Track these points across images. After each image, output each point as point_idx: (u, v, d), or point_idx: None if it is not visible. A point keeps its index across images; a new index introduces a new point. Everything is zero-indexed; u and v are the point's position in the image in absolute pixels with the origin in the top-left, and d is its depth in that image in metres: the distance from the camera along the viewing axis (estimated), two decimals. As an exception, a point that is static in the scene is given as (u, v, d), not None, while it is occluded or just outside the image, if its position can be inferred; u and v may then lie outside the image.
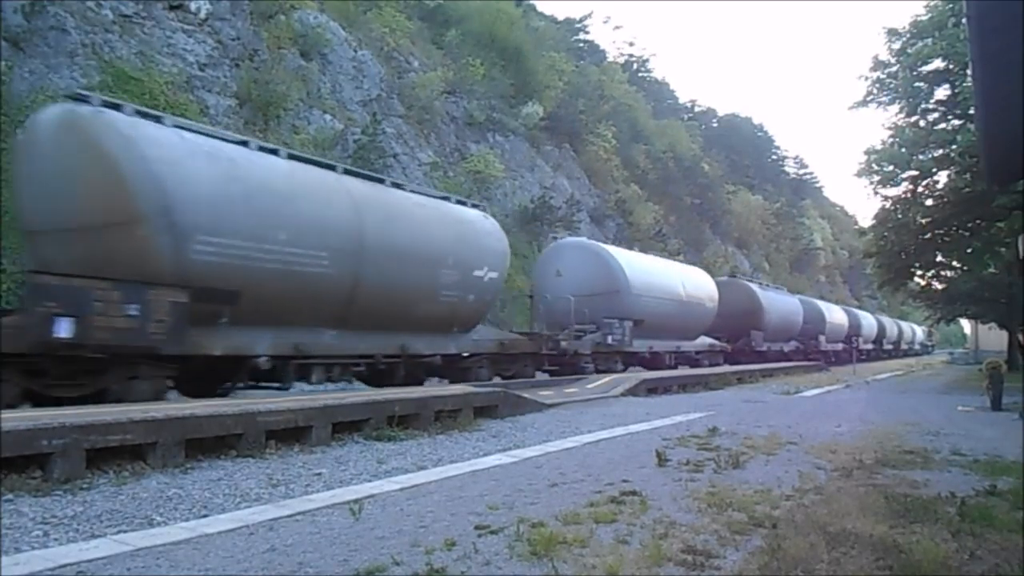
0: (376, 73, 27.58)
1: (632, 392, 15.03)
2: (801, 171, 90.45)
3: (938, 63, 24.02)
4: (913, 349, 64.09)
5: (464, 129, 32.08)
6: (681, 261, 36.04)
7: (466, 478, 6.27)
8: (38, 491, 5.20)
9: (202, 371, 9.72)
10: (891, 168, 26.01)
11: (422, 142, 28.39)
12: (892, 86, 26.71)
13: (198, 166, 9.33)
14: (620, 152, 44.42)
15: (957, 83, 23.11)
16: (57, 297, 7.84)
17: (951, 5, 22.28)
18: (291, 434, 7.58)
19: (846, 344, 39.50)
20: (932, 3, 24.66)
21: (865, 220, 62.86)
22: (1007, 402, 13.56)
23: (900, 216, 26.53)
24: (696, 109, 78.04)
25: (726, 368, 23.64)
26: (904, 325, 61.92)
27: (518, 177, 33.69)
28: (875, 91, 27.39)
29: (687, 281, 24.06)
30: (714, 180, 58.21)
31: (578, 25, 58.36)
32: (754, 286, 30.81)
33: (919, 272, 30.06)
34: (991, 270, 26.51)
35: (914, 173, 25.31)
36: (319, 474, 6.27)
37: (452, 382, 13.52)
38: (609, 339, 18.68)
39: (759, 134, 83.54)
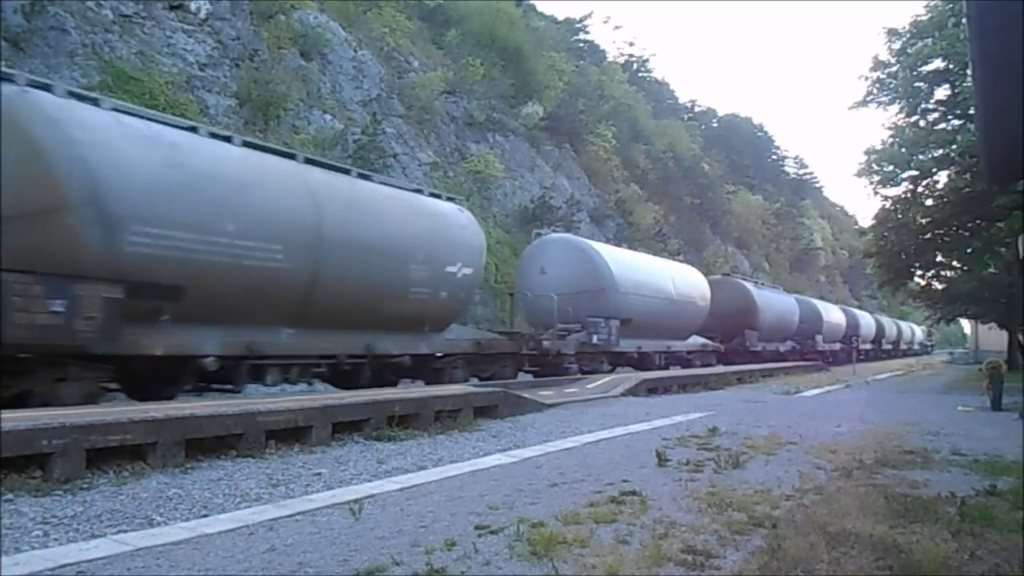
0: (376, 73, 27.59)
1: (632, 392, 15.02)
2: (801, 171, 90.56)
3: (938, 63, 24.04)
4: (912, 349, 63.75)
5: (464, 129, 32.09)
6: (681, 261, 36.03)
7: (466, 478, 6.27)
8: (38, 491, 5.20)
9: (143, 372, 9.12)
10: (891, 168, 26.03)
11: (422, 142, 28.40)
12: (892, 86, 26.73)
13: (135, 151, 8.63)
14: (620, 152, 44.44)
15: (957, 83, 23.13)
16: None
17: (951, 5, 22.29)
18: (291, 434, 7.57)
19: (844, 344, 39.07)
20: (932, 3, 24.68)
21: (865, 220, 62.87)
22: (1007, 402, 13.56)
23: (900, 216, 26.54)
24: (696, 109, 78.13)
25: (726, 368, 23.39)
26: (903, 325, 61.57)
27: (518, 177, 33.70)
28: (875, 91, 27.42)
29: (677, 279, 23.45)
30: (714, 180, 58.24)
31: (578, 25, 58.41)
32: (748, 284, 30.18)
33: (919, 272, 30.06)
34: (991, 270, 26.53)
35: (914, 173, 25.32)
36: (319, 474, 6.27)
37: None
38: (594, 339, 18.05)
39: (759, 134, 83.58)
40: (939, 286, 31.44)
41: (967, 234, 25.13)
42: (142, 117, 9.36)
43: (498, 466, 6.89)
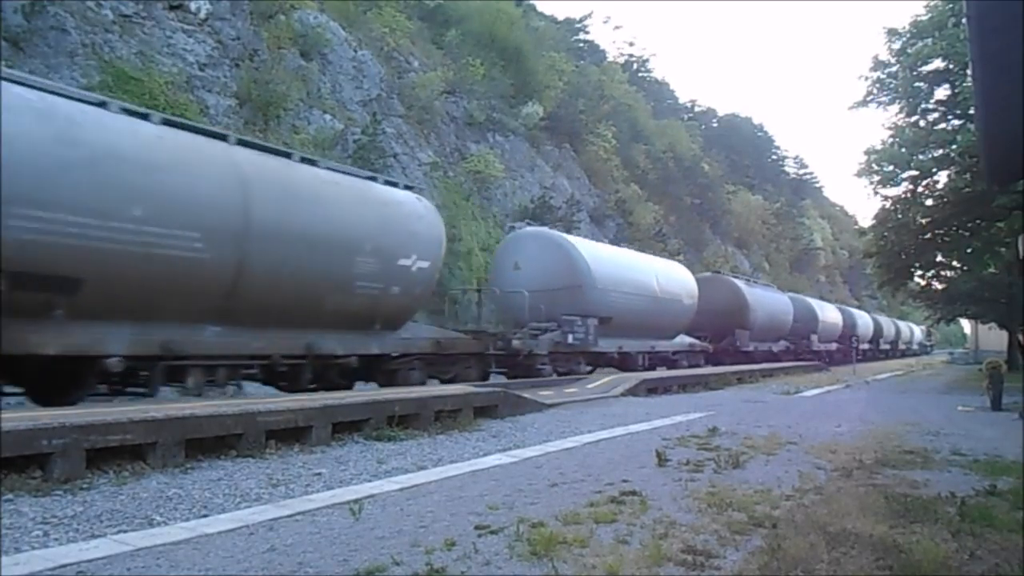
0: (376, 73, 27.59)
1: (632, 392, 15.03)
2: (801, 171, 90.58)
3: (938, 63, 24.05)
4: (911, 349, 63.30)
5: (464, 129, 32.09)
6: (681, 261, 35.98)
7: (466, 478, 6.27)
8: (38, 491, 5.20)
9: (39, 374, 8.34)
10: (891, 168, 26.05)
11: (422, 142, 28.40)
12: (892, 86, 26.75)
13: (21, 124, 7.64)
14: (620, 152, 44.45)
15: (957, 83, 23.14)
16: None
17: (951, 5, 22.30)
18: (291, 434, 7.57)
19: (841, 344, 38.63)
20: (932, 3, 24.69)
21: (865, 220, 62.94)
22: (1007, 402, 13.56)
23: (900, 216, 26.55)
24: (696, 109, 78.14)
25: (726, 368, 23.15)
26: (902, 325, 61.13)
27: (518, 177, 33.70)
28: (875, 91, 27.45)
29: (662, 276, 22.42)
30: (714, 180, 58.25)
31: (578, 25, 58.40)
32: (739, 282, 29.33)
33: (919, 272, 30.06)
34: (991, 270, 26.53)
35: (914, 173, 25.34)
36: (319, 474, 6.27)
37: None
38: (570, 338, 17.13)
39: (759, 134, 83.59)
40: (939, 286, 31.44)
41: (967, 234, 25.15)
42: (37, 88, 8.38)
43: (498, 466, 6.89)
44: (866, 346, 44.13)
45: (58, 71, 15.55)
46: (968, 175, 22.10)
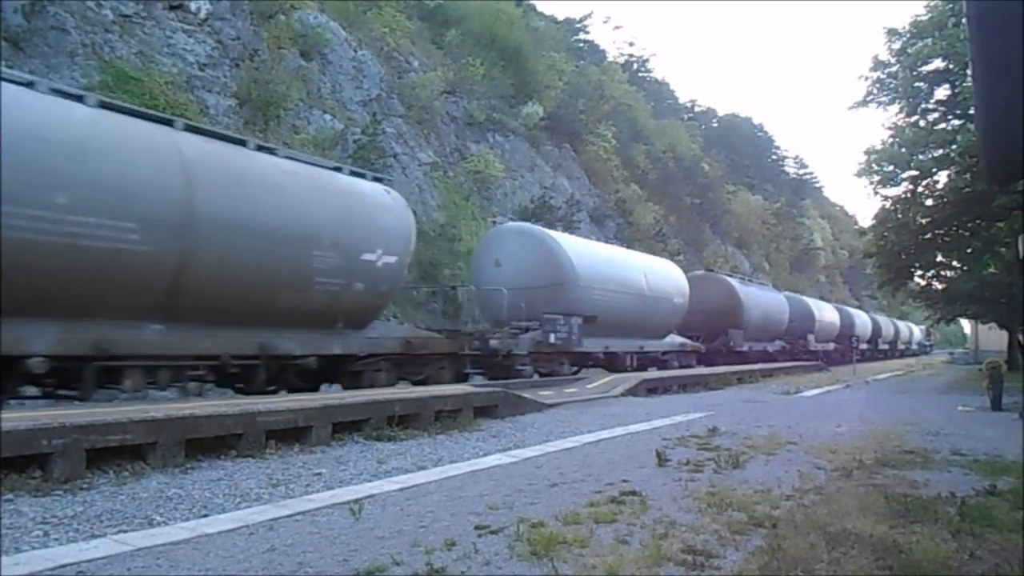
0: (376, 73, 27.59)
1: (632, 392, 15.03)
2: (801, 171, 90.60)
3: (938, 63, 24.07)
4: (910, 349, 62.86)
5: (464, 129, 32.09)
6: (680, 261, 35.92)
7: (466, 478, 6.27)
8: (38, 491, 5.20)
9: None
10: (891, 168, 26.06)
11: (422, 142, 28.40)
12: (892, 86, 26.77)
13: None
14: (620, 152, 44.45)
15: (957, 83, 23.15)
16: None
17: (951, 5, 22.31)
18: (291, 434, 7.58)
19: (838, 344, 38.22)
20: (932, 3, 24.70)
21: (865, 220, 62.91)
22: (1007, 402, 13.56)
23: (900, 216, 26.56)
24: (696, 109, 78.18)
25: (726, 368, 23.02)
26: (901, 324, 60.69)
27: (518, 177, 33.71)
28: (875, 91, 27.46)
29: (651, 273, 21.57)
30: (714, 180, 58.26)
31: (578, 25, 58.43)
32: (733, 280, 28.57)
33: (919, 272, 30.07)
34: (991, 270, 26.53)
35: (914, 173, 25.36)
36: (319, 474, 6.27)
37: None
38: (552, 338, 16.35)
39: (759, 134, 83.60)
40: (939, 286, 31.44)
41: (967, 234, 25.16)
42: None
43: (498, 466, 6.89)
44: (864, 346, 43.37)
45: (58, 71, 15.56)
46: (968, 175, 22.11)
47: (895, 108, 27.17)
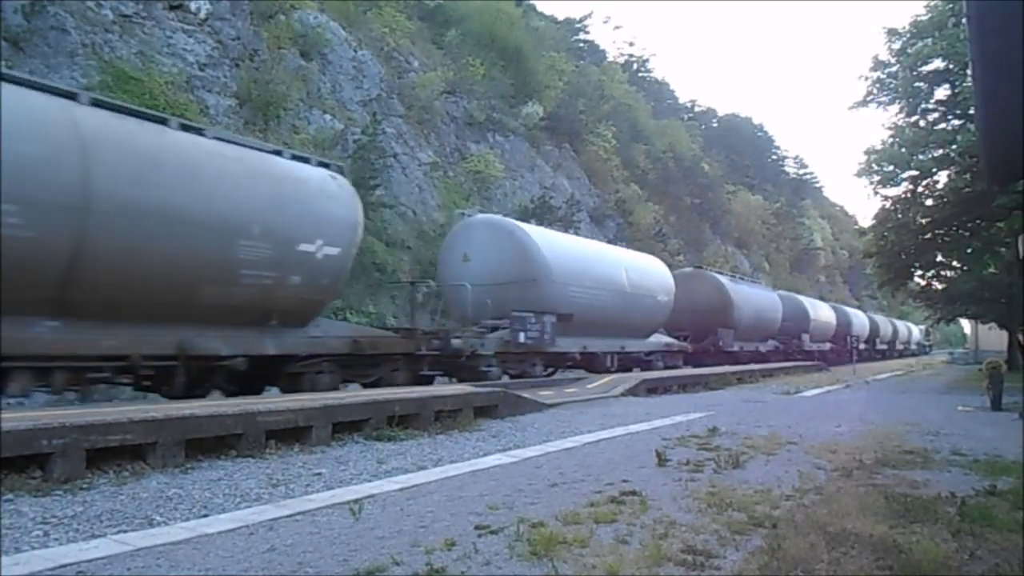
0: (376, 73, 27.60)
1: (632, 392, 15.03)
2: (801, 171, 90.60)
3: (938, 63, 24.08)
4: (909, 349, 62.14)
5: (464, 129, 32.10)
6: (680, 261, 35.90)
7: (466, 478, 6.27)
8: (38, 491, 5.21)
9: None
10: (891, 168, 26.07)
11: (422, 142, 28.41)
12: (892, 86, 26.78)
13: None
14: (620, 152, 44.46)
15: (957, 83, 23.16)
16: None
17: (951, 5, 22.32)
18: (291, 434, 7.58)
19: (834, 344, 37.85)
20: (932, 3, 24.71)
21: (865, 220, 62.88)
22: (1007, 402, 13.56)
23: (900, 216, 26.57)
24: (696, 109, 78.17)
25: (726, 368, 22.91)
26: (900, 324, 60.07)
27: (518, 177, 33.71)
28: (875, 91, 27.47)
29: (632, 269, 20.55)
30: (714, 180, 58.26)
31: (578, 25, 58.43)
32: (723, 278, 27.56)
33: (919, 272, 30.08)
34: (991, 270, 26.54)
35: (914, 173, 25.37)
36: (319, 474, 6.28)
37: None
38: (522, 337, 15.37)
39: (759, 134, 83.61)
40: (939, 286, 31.46)
41: (967, 234, 25.17)
42: None
43: (498, 466, 6.89)
44: (862, 346, 42.31)
45: (58, 71, 15.56)
46: (968, 175, 22.11)
47: (895, 108, 27.22)
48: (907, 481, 6.30)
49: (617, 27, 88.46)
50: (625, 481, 6.02)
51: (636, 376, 17.53)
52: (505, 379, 15.31)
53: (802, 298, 37.72)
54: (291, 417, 7.58)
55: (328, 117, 23.83)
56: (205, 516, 4.84)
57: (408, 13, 32.77)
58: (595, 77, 49.53)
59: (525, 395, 12.00)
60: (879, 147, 26.82)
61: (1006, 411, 13.06)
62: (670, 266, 25.57)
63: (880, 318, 53.93)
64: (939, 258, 28.37)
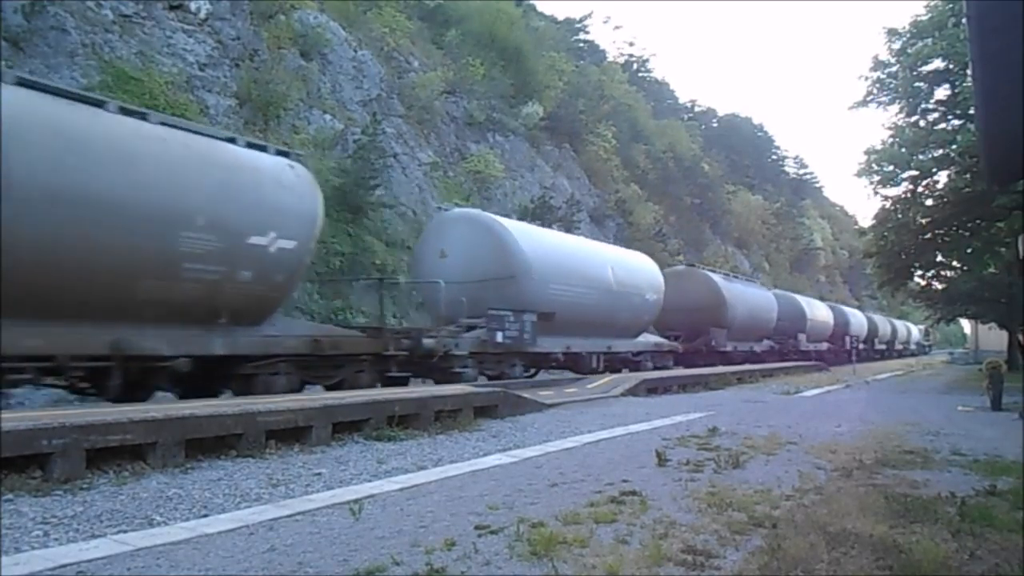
0: (376, 73, 27.60)
1: (632, 392, 15.04)
2: (801, 171, 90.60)
3: (938, 63, 24.09)
4: (908, 349, 61.67)
5: (464, 129, 32.10)
6: (681, 261, 35.86)
7: (466, 478, 6.27)
8: (38, 491, 5.21)
9: None
10: (891, 168, 26.08)
11: (422, 142, 28.41)
12: (892, 86, 26.79)
13: None
14: (620, 152, 44.46)
15: (957, 83, 23.17)
16: None
17: (951, 5, 22.32)
18: (291, 434, 7.58)
19: (832, 344, 37.51)
20: (932, 3, 24.72)
21: (865, 220, 62.85)
22: (1007, 402, 13.56)
23: (900, 216, 26.58)
24: (696, 109, 78.16)
25: (726, 368, 22.87)
26: (898, 324, 59.61)
27: (518, 177, 33.71)
28: (875, 91, 27.48)
29: (619, 266, 19.82)
30: (714, 180, 58.27)
31: (578, 25, 58.41)
32: (716, 276, 26.83)
33: (919, 272, 30.08)
34: (991, 270, 26.55)
35: (914, 173, 25.38)
36: (319, 474, 6.28)
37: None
38: (500, 337, 14.69)
39: (759, 134, 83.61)
40: (939, 286, 31.47)
41: (967, 234, 25.18)
42: None
43: (498, 466, 6.89)
44: (860, 346, 42.27)
45: (58, 71, 15.56)
46: (968, 175, 22.12)
47: (895, 108, 27.23)
48: (907, 481, 6.30)
49: (617, 27, 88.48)
50: (625, 481, 6.02)
51: (636, 376, 17.51)
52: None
53: (798, 297, 37.01)
54: (291, 417, 7.58)
55: (328, 117, 23.83)
56: (205, 516, 4.84)
57: (408, 13, 32.77)
58: (595, 77, 49.53)
59: (525, 395, 12.01)
60: (879, 147, 26.85)
61: (1006, 411, 13.06)
62: (670, 266, 25.43)
63: (879, 318, 53.64)
64: (939, 258, 28.38)
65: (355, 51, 27.06)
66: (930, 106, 25.83)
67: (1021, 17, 5.98)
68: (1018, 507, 5.24)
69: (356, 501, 5.09)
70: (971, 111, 18.03)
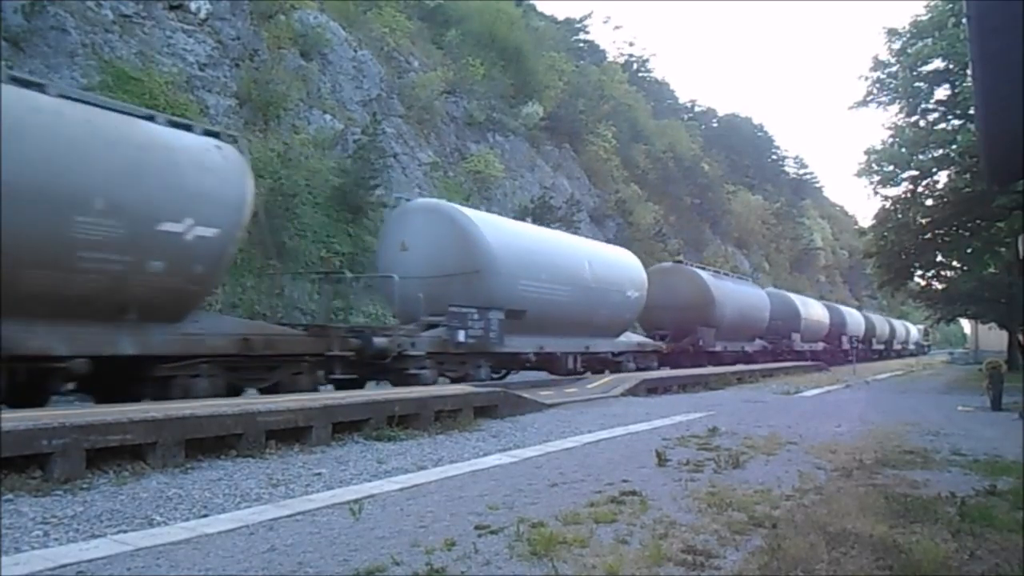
0: (376, 73, 27.61)
1: (632, 392, 15.03)
2: (801, 171, 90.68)
3: (938, 63, 24.07)
4: (907, 349, 60.87)
5: (464, 129, 32.12)
6: (680, 261, 35.78)
7: (466, 478, 6.27)
8: (38, 491, 5.21)
9: None
10: (891, 168, 26.08)
11: (422, 142, 28.42)
12: (892, 86, 26.78)
13: None
14: (620, 152, 44.49)
15: (957, 83, 23.16)
16: None
17: (951, 5, 22.31)
18: (291, 434, 7.58)
19: (828, 344, 37.07)
20: (932, 3, 24.71)
21: (865, 220, 62.81)
22: (1007, 402, 13.56)
23: (900, 216, 26.58)
24: (696, 109, 78.26)
25: (726, 368, 22.81)
26: (897, 324, 58.85)
27: (518, 177, 33.73)
28: (875, 91, 27.47)
29: (597, 262, 18.65)
30: (714, 180, 58.30)
31: (578, 25, 58.50)
32: (704, 274, 25.79)
33: (919, 272, 30.08)
34: (991, 270, 26.54)
35: (914, 173, 25.38)
36: (319, 474, 6.28)
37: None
38: (462, 336, 13.65)
39: (759, 134, 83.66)
40: (939, 286, 31.47)
41: (967, 234, 25.17)
42: None
43: (498, 466, 6.89)
44: (858, 346, 40.04)
45: (58, 71, 15.57)
46: (968, 175, 22.12)
47: (895, 108, 27.21)
48: (907, 481, 6.31)
49: (617, 27, 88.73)
50: (625, 481, 6.02)
51: (636, 376, 17.48)
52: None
53: (793, 296, 35.98)
54: (291, 417, 7.58)
55: (328, 117, 23.85)
56: (205, 516, 4.84)
57: (408, 13, 32.79)
58: (595, 77, 49.56)
59: (525, 395, 12.01)
60: (879, 147, 26.84)
61: (1006, 411, 13.06)
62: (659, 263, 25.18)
63: (876, 317, 53.14)
64: (939, 258, 28.37)
65: (355, 51, 27.07)
66: (930, 106, 25.82)
67: (1021, 17, 5.99)
68: (1018, 507, 5.24)
69: (356, 501, 5.09)
70: (971, 111, 18.03)
